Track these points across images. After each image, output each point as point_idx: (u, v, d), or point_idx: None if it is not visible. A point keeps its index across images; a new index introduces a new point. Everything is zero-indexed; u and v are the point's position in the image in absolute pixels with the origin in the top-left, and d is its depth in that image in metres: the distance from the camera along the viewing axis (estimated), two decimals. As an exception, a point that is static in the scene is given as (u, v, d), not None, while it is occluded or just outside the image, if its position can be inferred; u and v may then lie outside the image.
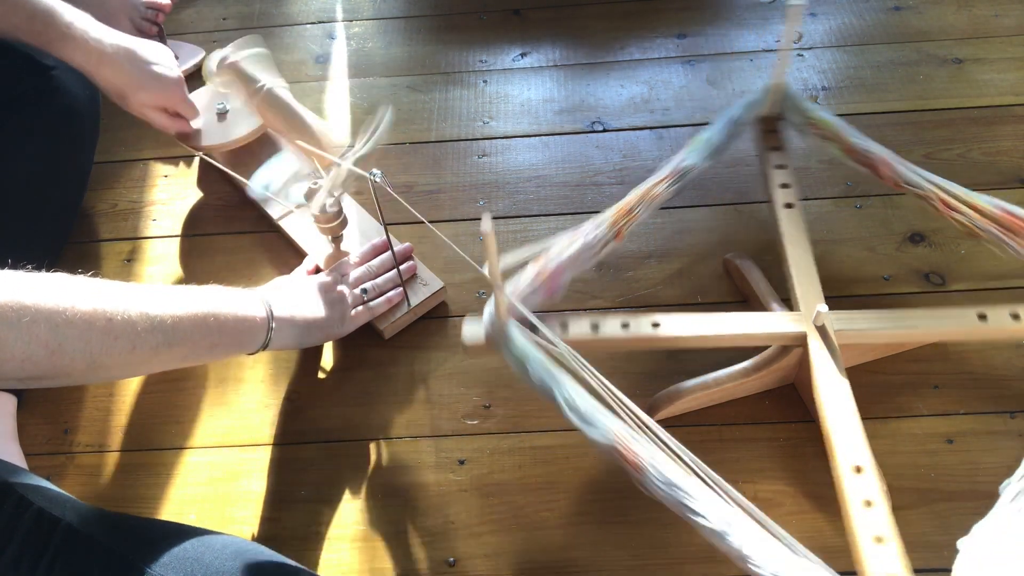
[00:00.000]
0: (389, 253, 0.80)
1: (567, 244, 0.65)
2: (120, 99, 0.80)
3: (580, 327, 0.64)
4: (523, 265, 0.63)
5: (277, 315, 0.67)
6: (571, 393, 0.56)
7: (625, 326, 0.64)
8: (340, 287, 0.77)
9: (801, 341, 0.65)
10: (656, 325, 0.65)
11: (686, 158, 0.72)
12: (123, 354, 0.51)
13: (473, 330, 0.63)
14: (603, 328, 0.64)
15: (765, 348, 0.72)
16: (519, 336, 0.60)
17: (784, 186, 0.75)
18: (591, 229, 0.67)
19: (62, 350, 0.47)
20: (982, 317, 0.64)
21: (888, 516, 0.54)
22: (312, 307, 0.72)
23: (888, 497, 0.56)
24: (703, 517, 0.51)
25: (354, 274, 0.79)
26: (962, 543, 0.52)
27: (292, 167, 0.82)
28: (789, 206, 0.73)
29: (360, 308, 0.77)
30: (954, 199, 0.67)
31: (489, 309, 0.61)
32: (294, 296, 0.71)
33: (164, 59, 0.80)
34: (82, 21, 0.72)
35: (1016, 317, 0.64)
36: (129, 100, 0.79)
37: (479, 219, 0.91)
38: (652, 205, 0.69)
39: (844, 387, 0.61)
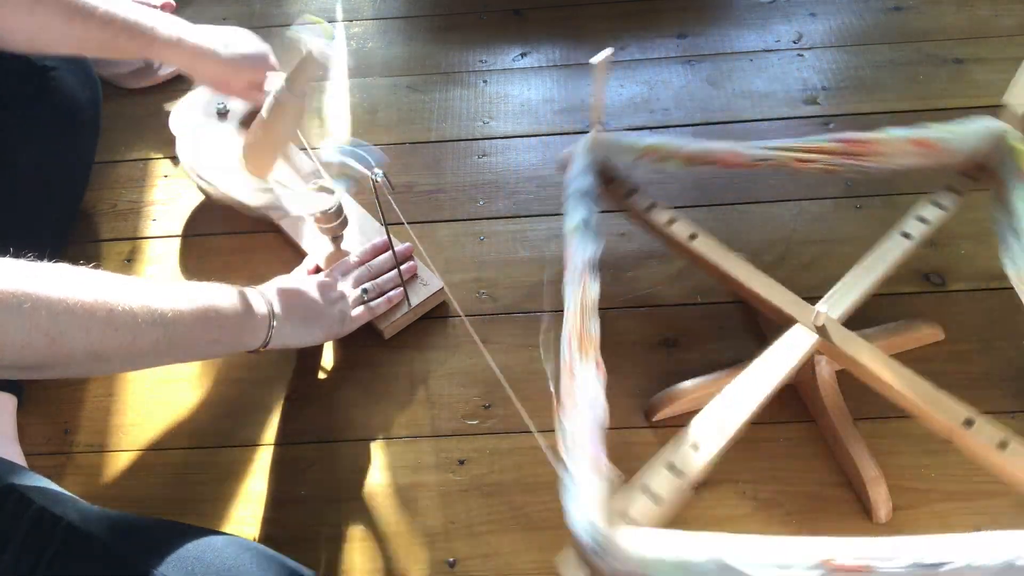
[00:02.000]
0: (389, 253, 0.80)
1: (586, 425, 0.57)
2: (221, 87, 0.82)
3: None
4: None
5: (278, 313, 0.67)
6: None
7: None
8: (340, 287, 0.77)
9: (821, 347, 0.64)
10: (693, 237, 0.70)
11: (586, 252, 0.66)
12: (123, 346, 0.51)
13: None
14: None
15: (764, 346, 0.72)
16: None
17: (672, 221, 0.73)
18: (583, 387, 0.60)
19: (62, 339, 0.47)
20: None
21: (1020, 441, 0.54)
22: (313, 306, 0.72)
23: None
24: None
25: (354, 274, 0.79)
26: None
27: (296, 170, 0.83)
28: (693, 237, 0.72)
29: (360, 308, 0.77)
30: (804, 152, 0.69)
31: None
32: (295, 295, 0.71)
33: (247, 40, 0.82)
34: (172, 24, 0.75)
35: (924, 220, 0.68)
36: (231, 87, 0.82)
37: (479, 219, 0.92)
38: (595, 310, 0.63)
39: (891, 361, 0.61)
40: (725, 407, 0.59)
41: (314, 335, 0.73)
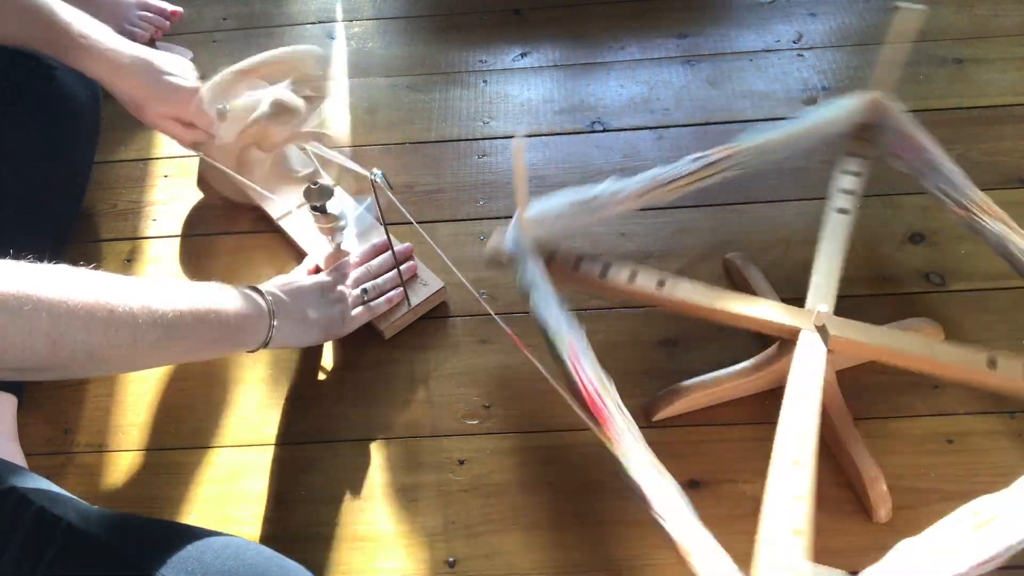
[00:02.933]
0: (389, 253, 0.80)
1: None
2: (136, 110, 0.80)
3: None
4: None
5: (279, 313, 0.67)
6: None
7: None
8: (340, 287, 0.77)
9: (794, 335, 0.65)
10: (661, 284, 0.68)
11: (586, 364, 0.64)
12: (124, 346, 0.51)
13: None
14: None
15: (764, 346, 0.72)
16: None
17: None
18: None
19: (63, 340, 0.47)
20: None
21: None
22: (313, 306, 0.72)
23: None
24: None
25: (354, 274, 0.79)
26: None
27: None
28: (662, 284, 0.70)
29: (360, 308, 0.77)
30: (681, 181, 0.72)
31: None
32: (295, 295, 0.71)
33: (181, 69, 0.80)
34: (98, 32, 0.72)
35: None
36: (145, 111, 0.79)
37: (479, 219, 0.92)
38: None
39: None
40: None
41: (314, 335, 0.73)
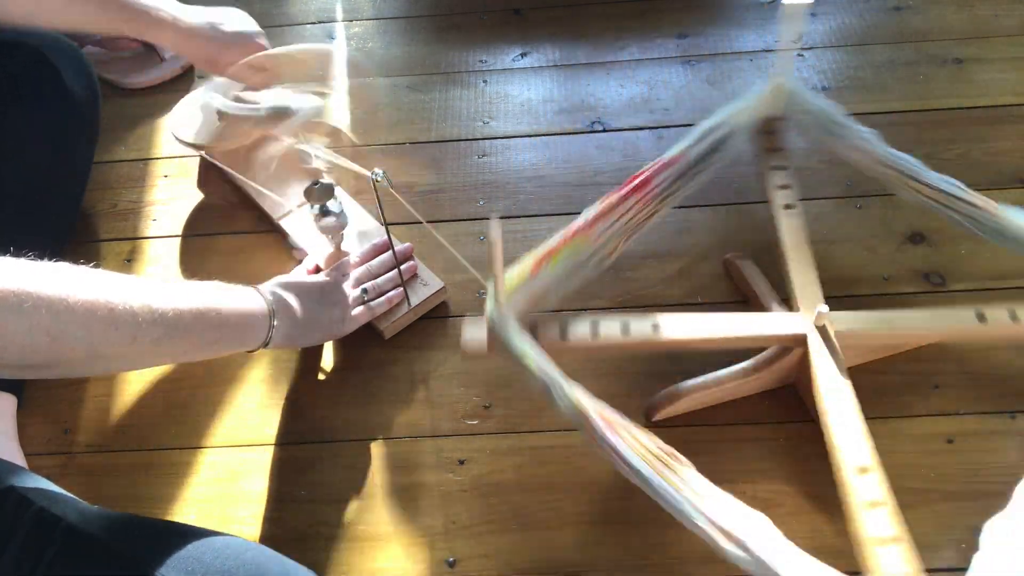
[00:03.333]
0: (390, 253, 0.80)
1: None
2: (211, 66, 0.84)
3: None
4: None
5: (279, 313, 0.67)
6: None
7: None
8: (340, 287, 0.77)
9: (801, 342, 0.65)
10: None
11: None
12: (124, 345, 0.51)
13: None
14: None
15: (765, 348, 0.72)
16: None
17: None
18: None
19: (63, 338, 0.47)
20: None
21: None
22: (312, 306, 0.72)
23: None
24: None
25: (354, 274, 0.79)
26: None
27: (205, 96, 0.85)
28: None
29: (360, 308, 0.77)
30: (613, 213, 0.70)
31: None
32: (295, 295, 0.71)
33: (240, 22, 0.85)
34: (168, 6, 0.78)
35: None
36: (219, 65, 0.83)
37: (479, 219, 0.92)
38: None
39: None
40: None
41: (314, 335, 0.73)
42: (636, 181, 0.70)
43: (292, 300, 0.70)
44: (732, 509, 0.52)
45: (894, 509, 0.55)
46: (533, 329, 0.63)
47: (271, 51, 0.85)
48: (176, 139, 0.91)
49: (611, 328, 0.64)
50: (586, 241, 0.67)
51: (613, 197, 0.69)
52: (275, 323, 0.66)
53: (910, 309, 0.67)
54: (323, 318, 0.73)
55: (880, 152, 0.72)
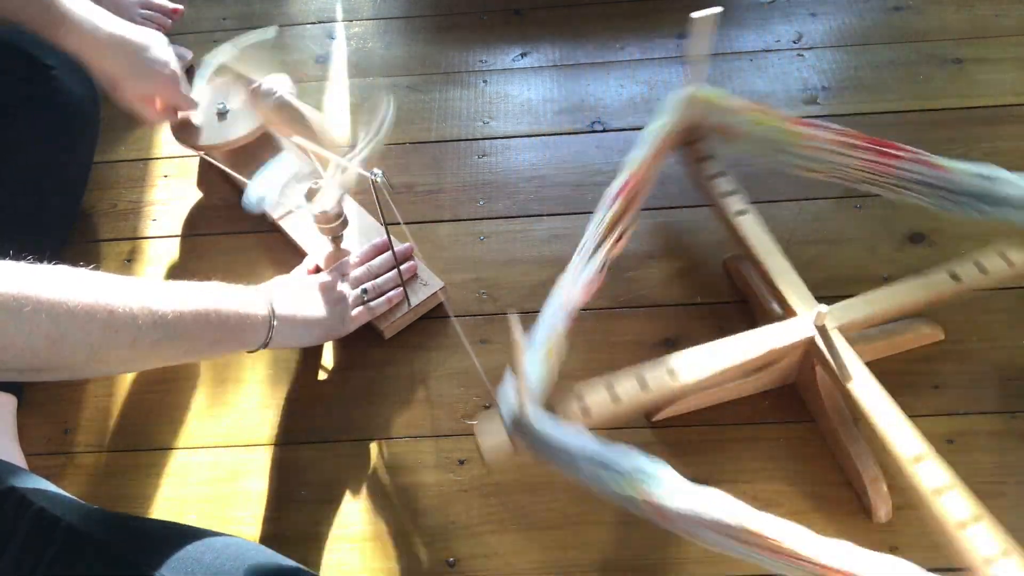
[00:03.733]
0: (390, 253, 0.80)
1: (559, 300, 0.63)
2: (112, 89, 0.77)
3: (599, 399, 0.60)
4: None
5: (279, 313, 0.67)
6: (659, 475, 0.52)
7: (643, 384, 0.61)
8: (341, 287, 0.77)
9: (810, 345, 0.65)
10: (672, 372, 0.62)
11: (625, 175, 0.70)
12: (124, 347, 0.51)
13: (493, 438, 0.57)
14: (621, 392, 0.61)
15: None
16: (551, 425, 0.54)
17: (730, 193, 0.74)
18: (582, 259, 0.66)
19: (63, 341, 0.47)
20: (954, 277, 0.67)
21: (967, 496, 0.54)
22: (313, 306, 0.72)
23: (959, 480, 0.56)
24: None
25: (354, 274, 0.79)
26: None
27: (290, 169, 0.82)
28: (742, 213, 0.73)
29: (360, 308, 0.77)
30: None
31: (506, 407, 0.56)
32: (295, 295, 0.71)
33: (159, 49, 0.77)
34: (81, 7, 0.70)
35: (983, 270, 0.67)
36: (120, 90, 0.77)
37: (479, 219, 0.92)
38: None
39: (872, 381, 0.62)
40: (708, 353, 0.63)
41: (314, 335, 0.73)
42: (888, 148, 0.69)
43: (292, 300, 0.70)
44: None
45: (964, 489, 0.55)
46: (691, 137, 0.71)
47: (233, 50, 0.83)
48: (176, 139, 0.91)
49: (722, 185, 0.71)
50: (803, 139, 0.70)
51: (856, 140, 0.69)
52: (275, 323, 0.66)
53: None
54: (323, 318, 0.73)
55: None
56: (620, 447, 0.53)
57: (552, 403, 0.59)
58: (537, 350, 0.59)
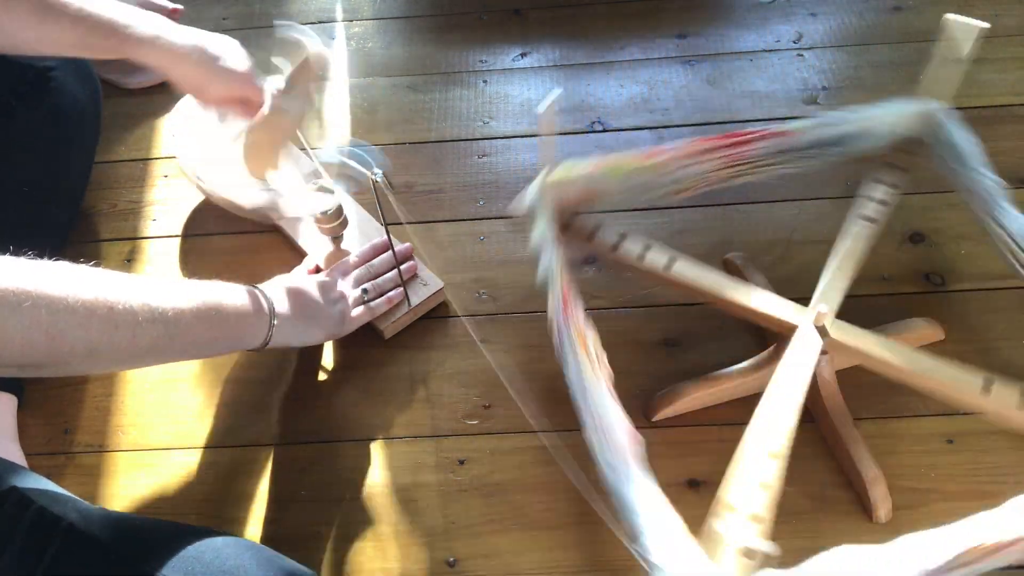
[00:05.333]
0: (389, 253, 0.80)
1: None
2: (197, 94, 0.80)
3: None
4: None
5: (279, 312, 0.67)
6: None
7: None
8: (340, 286, 0.77)
9: (792, 331, 0.65)
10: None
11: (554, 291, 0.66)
12: (123, 344, 0.51)
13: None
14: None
15: (764, 346, 0.72)
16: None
17: (644, 252, 0.71)
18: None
19: (62, 336, 0.47)
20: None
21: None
22: (312, 306, 0.72)
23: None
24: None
25: (354, 274, 0.79)
26: None
27: (296, 171, 0.83)
28: (672, 261, 0.70)
29: (360, 308, 0.77)
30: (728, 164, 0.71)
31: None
32: (295, 294, 0.71)
33: (233, 52, 0.80)
34: (153, 26, 0.73)
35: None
36: (205, 94, 0.80)
37: (479, 219, 0.92)
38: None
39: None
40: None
41: (314, 335, 0.73)
42: (736, 138, 0.70)
43: (292, 300, 0.70)
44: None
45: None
46: (568, 221, 0.71)
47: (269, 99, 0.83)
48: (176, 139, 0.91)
49: (632, 247, 0.70)
50: (660, 168, 0.69)
51: (706, 144, 0.69)
52: (275, 322, 0.66)
53: (916, 351, 0.63)
54: (323, 318, 0.73)
55: (991, 205, 0.69)
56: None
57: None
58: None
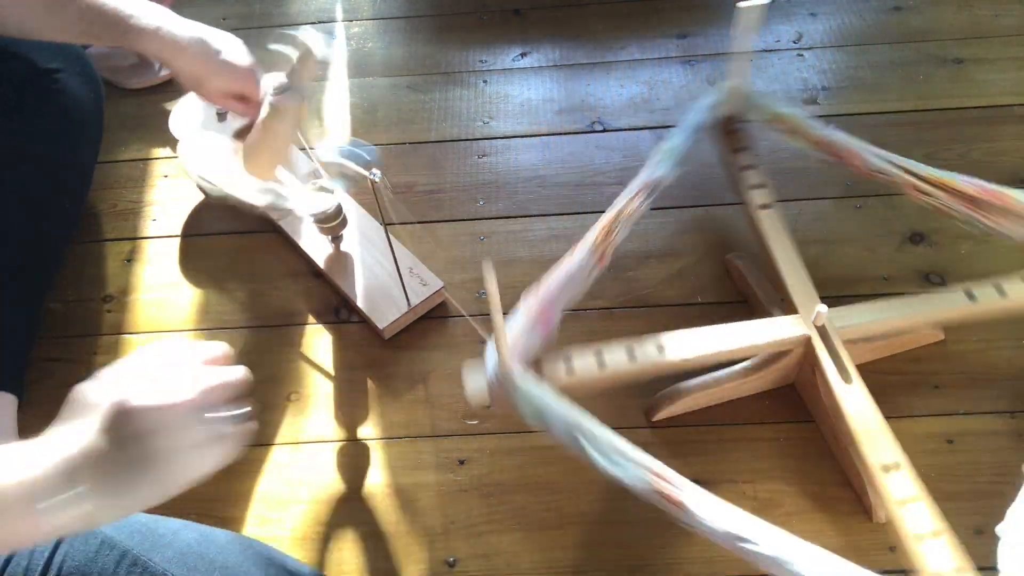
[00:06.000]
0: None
1: (553, 279, 0.65)
2: (196, 87, 0.80)
3: (585, 363, 0.62)
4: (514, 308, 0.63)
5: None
6: (597, 435, 0.55)
7: (631, 355, 0.63)
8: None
9: (805, 344, 0.65)
10: (661, 348, 0.64)
11: (656, 170, 0.72)
12: None
13: (477, 382, 0.60)
14: (608, 359, 0.63)
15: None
16: (529, 384, 0.57)
17: (757, 187, 0.75)
18: (575, 259, 0.66)
19: None
20: (970, 296, 0.65)
21: (931, 510, 0.54)
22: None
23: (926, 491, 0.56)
24: (756, 544, 0.50)
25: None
26: (1001, 529, 0.51)
27: (297, 171, 0.82)
28: (765, 207, 0.73)
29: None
30: (923, 182, 0.68)
31: (491, 359, 0.59)
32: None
33: (235, 47, 0.80)
34: (156, 16, 0.73)
35: (1002, 292, 0.65)
36: (204, 88, 0.79)
37: (479, 219, 0.92)
38: (629, 222, 0.69)
39: (858, 385, 0.61)
40: (700, 337, 0.64)
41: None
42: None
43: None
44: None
45: (930, 503, 0.55)
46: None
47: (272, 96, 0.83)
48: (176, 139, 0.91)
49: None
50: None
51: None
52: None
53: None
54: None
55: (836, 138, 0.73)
56: (594, 421, 0.55)
57: (545, 358, 0.62)
58: (524, 312, 0.62)
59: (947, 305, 0.65)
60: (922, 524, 0.53)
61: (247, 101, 0.81)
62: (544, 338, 0.62)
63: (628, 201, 0.69)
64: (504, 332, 0.55)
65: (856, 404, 0.61)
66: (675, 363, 0.63)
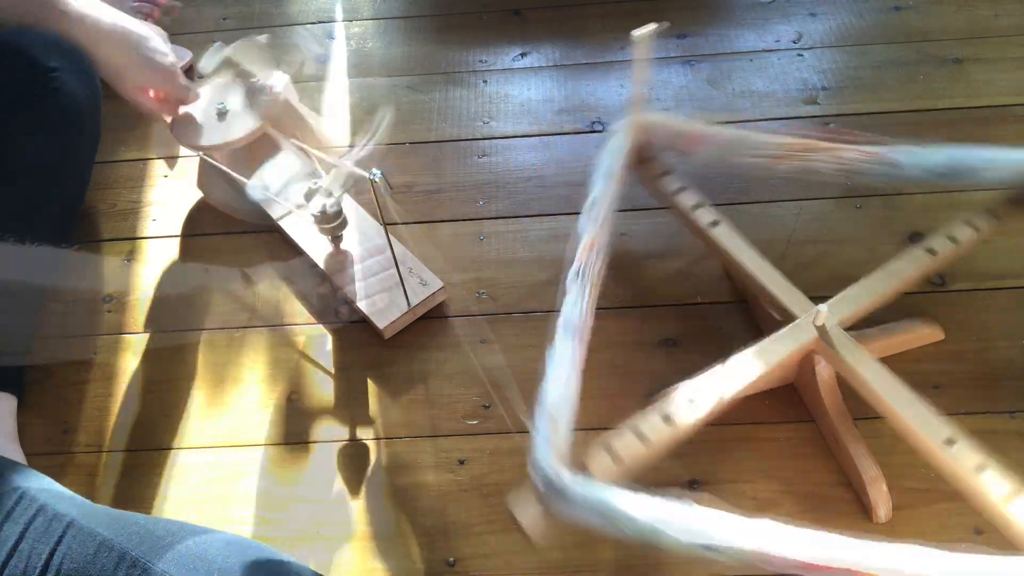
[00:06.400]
0: None
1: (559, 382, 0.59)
2: (114, 80, 0.78)
3: (626, 444, 0.58)
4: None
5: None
6: (687, 526, 0.51)
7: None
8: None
9: (815, 346, 0.65)
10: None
11: (593, 227, 0.67)
12: None
13: (528, 512, 0.54)
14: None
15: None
16: (588, 488, 0.51)
17: (697, 206, 0.74)
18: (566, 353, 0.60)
19: None
20: (931, 252, 0.69)
21: (1004, 471, 0.54)
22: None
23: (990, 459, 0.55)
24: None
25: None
26: None
27: (292, 168, 0.82)
28: (715, 224, 0.73)
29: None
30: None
31: (537, 475, 0.53)
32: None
33: (158, 42, 0.79)
34: (87, 2, 0.72)
35: (955, 240, 0.69)
36: (121, 80, 0.78)
37: (479, 219, 0.92)
38: (597, 281, 0.66)
39: (885, 371, 0.61)
40: (724, 376, 0.62)
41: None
42: (848, 144, 0.72)
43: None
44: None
45: (999, 464, 0.55)
46: (647, 157, 0.69)
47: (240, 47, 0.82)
48: (176, 140, 0.90)
49: (688, 199, 0.72)
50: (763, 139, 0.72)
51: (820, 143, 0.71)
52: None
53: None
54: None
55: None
56: (659, 501, 0.51)
57: (577, 456, 0.56)
58: (555, 412, 0.56)
59: (916, 263, 0.68)
60: (1002, 486, 0.54)
61: (166, 101, 0.81)
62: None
63: (583, 266, 0.64)
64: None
65: (890, 389, 0.60)
66: (710, 239, 0.69)
